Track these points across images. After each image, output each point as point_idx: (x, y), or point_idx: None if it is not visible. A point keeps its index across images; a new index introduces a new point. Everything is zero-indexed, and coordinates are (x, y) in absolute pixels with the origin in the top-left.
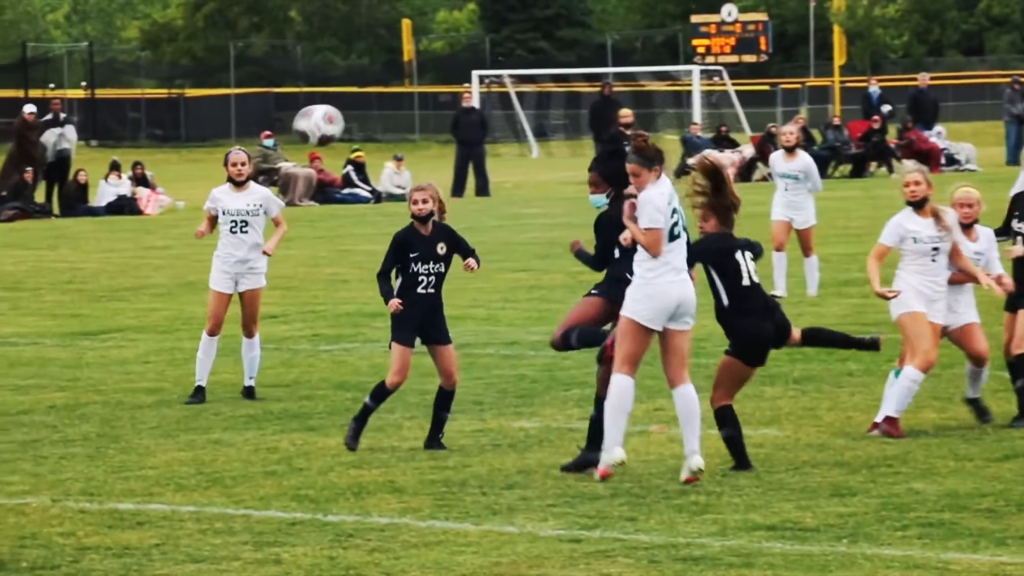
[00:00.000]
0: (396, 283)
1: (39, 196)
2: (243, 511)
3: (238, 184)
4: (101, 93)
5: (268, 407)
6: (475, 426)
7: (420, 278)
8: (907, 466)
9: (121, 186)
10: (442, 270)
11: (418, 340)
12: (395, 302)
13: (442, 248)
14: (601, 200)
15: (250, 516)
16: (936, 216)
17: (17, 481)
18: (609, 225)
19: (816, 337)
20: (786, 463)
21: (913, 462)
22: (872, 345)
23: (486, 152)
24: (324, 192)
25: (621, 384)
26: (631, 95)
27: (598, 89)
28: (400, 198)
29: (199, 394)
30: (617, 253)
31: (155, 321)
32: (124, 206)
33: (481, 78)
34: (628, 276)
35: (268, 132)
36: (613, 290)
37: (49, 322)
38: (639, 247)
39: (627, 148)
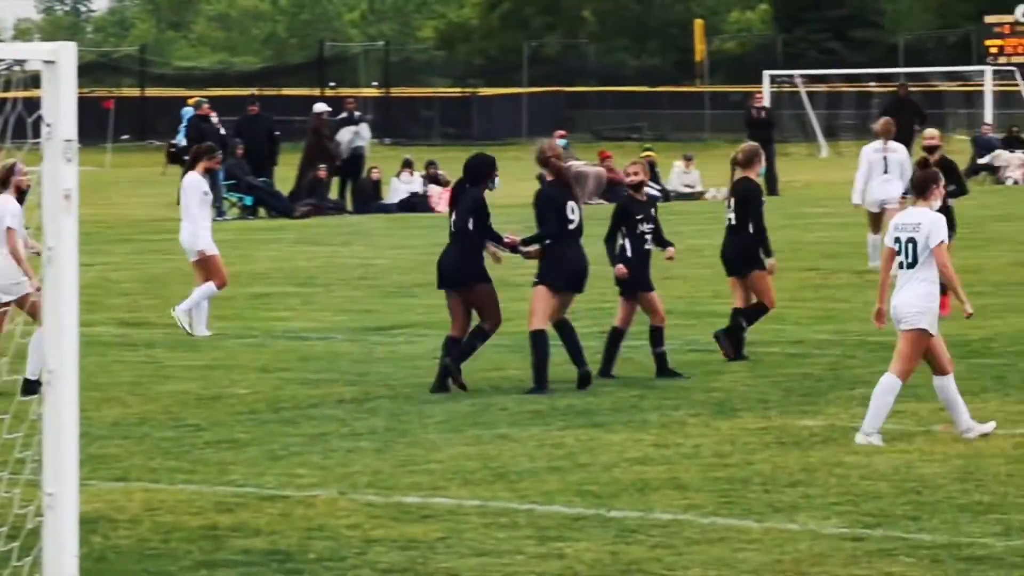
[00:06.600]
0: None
1: (333, 193)
2: (527, 506)
3: None
4: (395, 92)
5: (554, 403)
6: (759, 424)
7: (647, 236)
8: None
9: (413, 184)
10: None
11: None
12: (620, 268)
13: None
14: None
15: (534, 511)
16: None
17: (306, 473)
18: None
19: None
20: None
21: None
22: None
23: (776, 152)
24: (613, 191)
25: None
26: (922, 95)
27: (890, 90)
28: (689, 196)
29: None
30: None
31: (444, 317)
32: (416, 203)
33: (772, 78)
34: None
35: (561, 131)
36: None
37: (340, 317)
38: None
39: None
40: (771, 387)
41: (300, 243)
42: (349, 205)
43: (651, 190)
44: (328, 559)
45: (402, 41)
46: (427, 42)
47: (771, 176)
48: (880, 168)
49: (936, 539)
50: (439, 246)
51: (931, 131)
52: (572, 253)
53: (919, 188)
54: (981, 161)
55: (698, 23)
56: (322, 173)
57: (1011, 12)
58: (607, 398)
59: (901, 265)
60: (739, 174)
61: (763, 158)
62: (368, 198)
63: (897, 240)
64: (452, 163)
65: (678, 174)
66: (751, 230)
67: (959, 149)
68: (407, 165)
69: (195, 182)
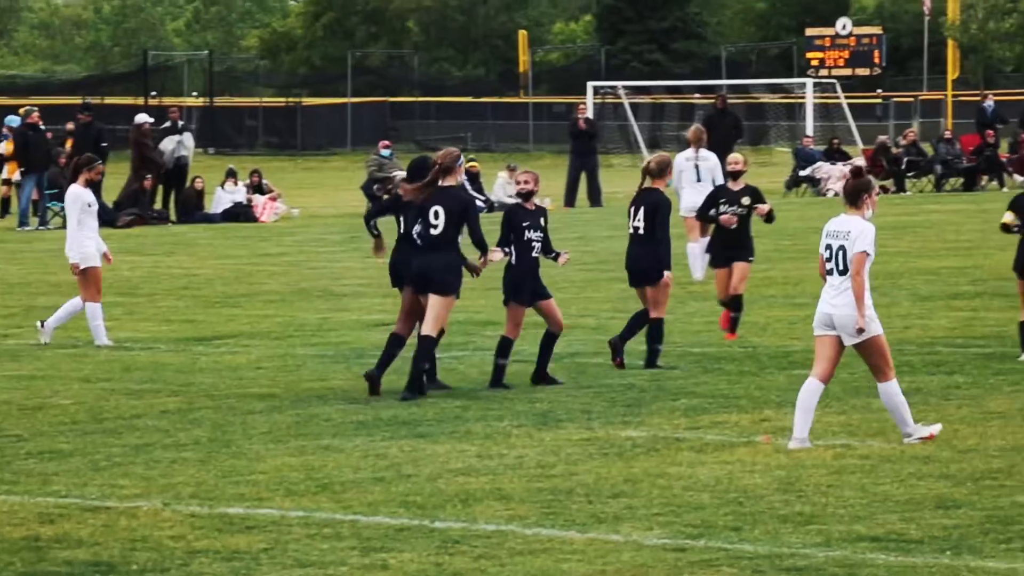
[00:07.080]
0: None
1: (156, 203)
2: (351, 516)
3: None
4: (219, 101)
5: (378, 413)
6: (582, 435)
7: (534, 244)
8: (1012, 479)
9: (237, 193)
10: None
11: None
12: (498, 250)
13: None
14: None
15: (358, 522)
16: None
17: (129, 484)
18: None
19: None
20: (892, 475)
21: (1018, 475)
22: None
23: (599, 163)
24: None
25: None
26: (744, 107)
27: (712, 101)
28: None
29: None
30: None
31: (268, 328)
32: (240, 213)
33: (596, 89)
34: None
35: (386, 142)
36: None
37: (163, 327)
38: None
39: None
40: (594, 398)
41: (123, 252)
42: (172, 215)
43: (477, 200)
44: (151, 570)
45: (226, 50)
46: (251, 52)
47: (594, 187)
48: (692, 176)
49: (758, 549)
50: (263, 256)
51: (735, 156)
52: (421, 255)
53: (851, 197)
54: (802, 173)
55: (522, 34)
56: (148, 183)
57: (832, 25)
58: (431, 409)
59: (831, 272)
60: (648, 184)
61: (672, 169)
62: (191, 208)
63: (828, 247)
64: (276, 173)
65: (502, 184)
66: (658, 239)
67: (781, 161)
68: (231, 175)
69: (77, 194)
